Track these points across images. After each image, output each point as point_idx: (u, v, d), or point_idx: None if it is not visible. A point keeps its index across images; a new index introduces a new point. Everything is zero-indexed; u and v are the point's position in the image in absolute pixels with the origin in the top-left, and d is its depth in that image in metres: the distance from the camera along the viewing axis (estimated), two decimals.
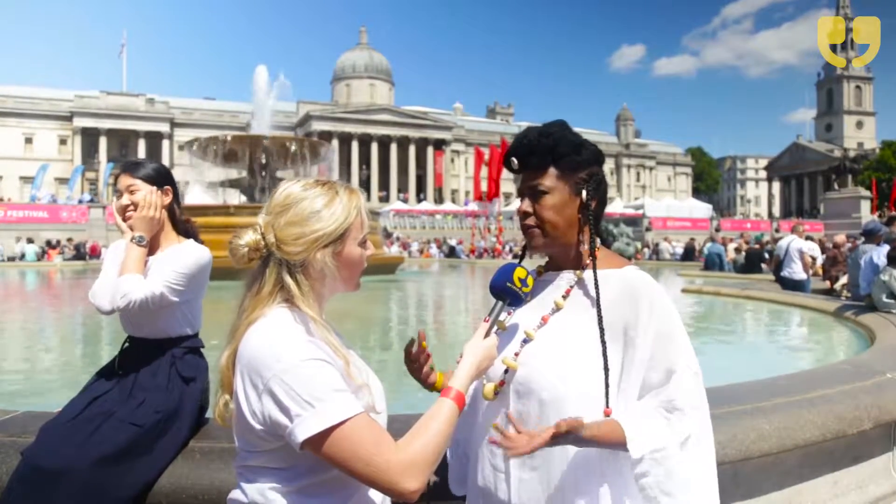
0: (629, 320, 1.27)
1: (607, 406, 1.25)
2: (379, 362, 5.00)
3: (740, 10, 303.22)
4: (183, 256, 2.12)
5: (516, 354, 1.34)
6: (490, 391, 1.36)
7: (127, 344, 2.17)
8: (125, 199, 2.14)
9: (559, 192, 1.35)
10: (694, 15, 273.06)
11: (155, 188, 2.16)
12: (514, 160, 1.38)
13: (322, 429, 1.07)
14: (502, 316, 1.40)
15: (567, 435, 1.16)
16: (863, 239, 8.58)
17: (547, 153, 1.34)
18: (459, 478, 1.54)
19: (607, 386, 1.25)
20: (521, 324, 1.39)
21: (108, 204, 33.21)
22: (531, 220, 1.37)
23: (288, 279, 1.22)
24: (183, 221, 2.28)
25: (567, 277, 1.40)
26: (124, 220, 2.14)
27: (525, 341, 1.35)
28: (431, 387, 1.45)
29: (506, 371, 1.34)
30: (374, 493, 1.26)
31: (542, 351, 1.32)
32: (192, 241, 2.23)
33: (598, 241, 1.40)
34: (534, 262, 1.55)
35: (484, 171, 31.71)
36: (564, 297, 1.37)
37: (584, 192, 1.35)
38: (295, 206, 1.23)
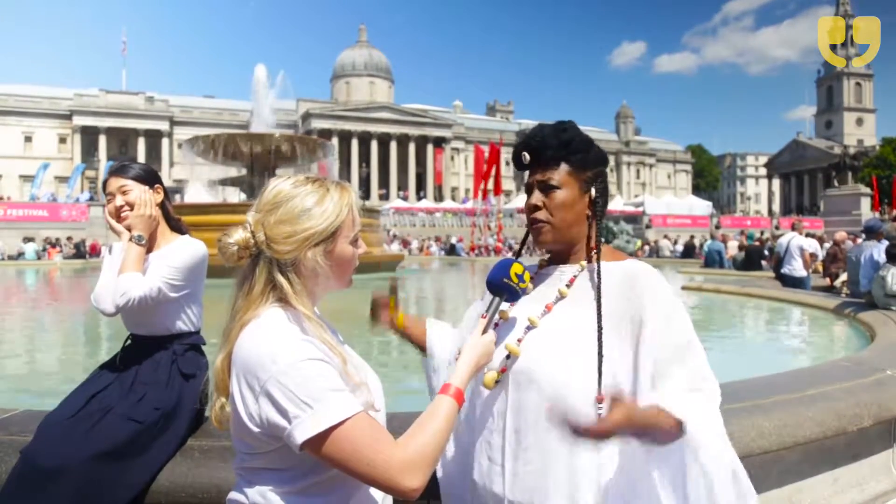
0: (634, 308, 1.28)
1: (599, 392, 1.25)
2: (378, 360, 5.00)
3: (741, 7, 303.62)
4: (178, 252, 2.13)
5: (519, 340, 1.35)
6: (490, 380, 1.36)
7: (129, 342, 2.18)
8: (119, 201, 2.15)
9: (570, 188, 1.37)
10: (695, 12, 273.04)
11: (147, 187, 2.16)
12: (526, 154, 1.40)
13: (321, 430, 1.06)
14: (502, 309, 1.41)
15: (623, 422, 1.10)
16: (864, 236, 8.58)
17: (562, 148, 1.36)
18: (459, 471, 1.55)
19: (600, 373, 1.25)
20: (523, 312, 1.40)
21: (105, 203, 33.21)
22: (541, 215, 1.39)
23: (280, 278, 1.20)
24: (175, 219, 2.29)
25: (571, 269, 1.42)
26: (119, 221, 2.14)
27: (528, 328, 1.36)
28: (394, 329, 1.63)
29: (507, 357, 1.35)
30: (374, 492, 1.25)
31: (544, 338, 1.33)
32: (186, 236, 2.24)
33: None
34: (532, 258, 1.55)
35: (485, 169, 31.67)
36: (568, 287, 1.39)
37: (593, 190, 1.38)
38: (285, 203, 1.21)
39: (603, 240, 1.43)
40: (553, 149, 1.37)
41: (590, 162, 1.38)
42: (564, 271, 1.42)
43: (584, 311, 1.32)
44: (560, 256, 1.46)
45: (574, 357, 1.28)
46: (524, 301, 1.42)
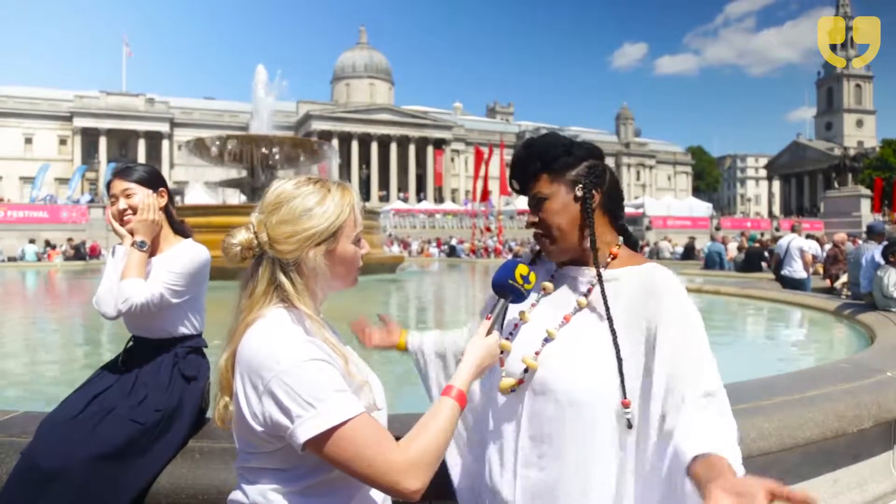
0: (651, 318, 1.25)
1: (624, 397, 1.23)
2: (379, 360, 5.00)
3: (743, 9, 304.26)
4: (180, 257, 2.13)
5: (537, 353, 1.33)
6: (507, 386, 1.34)
7: (131, 343, 2.18)
8: (122, 204, 2.14)
9: (557, 196, 1.35)
10: (696, 13, 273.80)
11: (150, 191, 2.16)
12: (514, 182, 1.41)
13: (324, 429, 1.07)
14: (522, 306, 1.40)
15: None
16: (865, 237, 8.60)
17: (534, 160, 1.36)
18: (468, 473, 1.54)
19: (622, 375, 1.23)
20: (542, 319, 1.38)
21: (107, 205, 33.35)
22: (538, 229, 1.38)
23: (282, 278, 1.22)
24: (179, 222, 2.28)
25: (588, 274, 1.37)
26: (122, 224, 2.14)
27: (546, 340, 1.34)
28: (395, 346, 1.64)
29: (526, 370, 1.32)
30: (375, 493, 1.25)
31: (563, 351, 1.30)
32: (189, 240, 2.23)
33: (619, 238, 1.40)
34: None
35: (483, 171, 31.73)
36: (586, 296, 1.35)
37: (578, 188, 1.34)
38: (286, 204, 1.22)
39: (621, 239, 1.39)
40: (528, 164, 1.37)
41: (573, 162, 1.35)
42: (583, 276, 1.39)
43: (602, 323, 1.29)
44: (577, 259, 1.41)
45: (592, 369, 1.26)
46: (544, 304, 1.40)
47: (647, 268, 1.33)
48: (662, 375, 1.22)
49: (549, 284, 1.43)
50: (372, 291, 10.74)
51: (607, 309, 1.27)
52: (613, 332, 1.26)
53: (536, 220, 1.38)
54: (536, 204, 1.37)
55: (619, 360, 1.24)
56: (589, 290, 1.35)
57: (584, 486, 1.25)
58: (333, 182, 1.29)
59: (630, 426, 1.23)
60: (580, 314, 1.34)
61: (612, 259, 1.36)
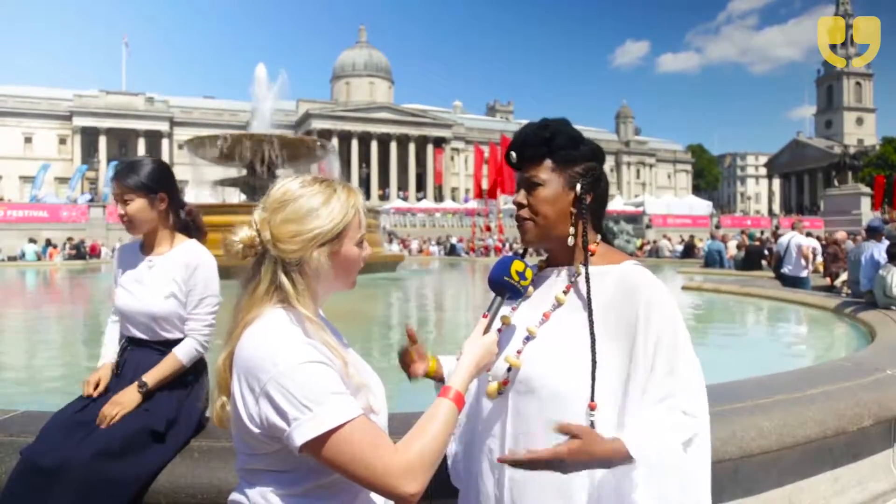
0: (629, 318, 1.25)
1: (592, 400, 1.24)
2: (380, 359, 5.00)
3: (745, 6, 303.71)
4: (209, 275, 2.16)
5: (519, 352, 1.33)
6: (494, 390, 1.34)
7: (126, 344, 2.17)
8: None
9: (553, 185, 1.35)
10: (699, 11, 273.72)
11: (145, 201, 2.12)
12: (513, 153, 1.39)
13: (320, 433, 1.06)
14: (503, 310, 1.38)
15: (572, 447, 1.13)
16: (865, 235, 8.60)
17: (542, 144, 1.35)
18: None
19: (593, 380, 1.24)
20: (522, 320, 1.38)
21: (108, 203, 33.43)
22: (525, 212, 1.37)
23: (283, 278, 1.20)
24: (186, 219, 2.27)
25: (566, 273, 1.39)
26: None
27: (527, 338, 1.34)
28: (425, 375, 1.46)
29: (509, 369, 1.33)
30: (376, 496, 1.24)
31: (544, 348, 1.31)
32: (193, 242, 2.23)
33: (598, 236, 1.40)
34: (532, 259, 1.54)
35: (484, 169, 31.71)
36: (565, 293, 1.36)
37: (578, 186, 1.34)
38: (292, 203, 1.21)
39: (599, 237, 1.40)
40: (534, 146, 1.35)
41: (577, 158, 1.35)
42: (561, 275, 1.40)
43: (581, 318, 1.30)
44: (556, 258, 1.43)
45: (573, 365, 1.26)
46: (524, 307, 1.40)
47: (625, 266, 1.33)
48: (639, 380, 1.24)
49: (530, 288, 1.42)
50: (373, 290, 10.73)
51: (589, 303, 1.27)
52: (593, 335, 1.25)
53: (525, 202, 1.37)
54: (529, 186, 1.37)
55: (594, 361, 1.24)
56: (567, 288, 1.36)
57: (571, 488, 1.24)
58: (339, 182, 1.28)
59: (592, 428, 1.22)
60: (559, 310, 1.35)
61: (591, 255, 1.36)
